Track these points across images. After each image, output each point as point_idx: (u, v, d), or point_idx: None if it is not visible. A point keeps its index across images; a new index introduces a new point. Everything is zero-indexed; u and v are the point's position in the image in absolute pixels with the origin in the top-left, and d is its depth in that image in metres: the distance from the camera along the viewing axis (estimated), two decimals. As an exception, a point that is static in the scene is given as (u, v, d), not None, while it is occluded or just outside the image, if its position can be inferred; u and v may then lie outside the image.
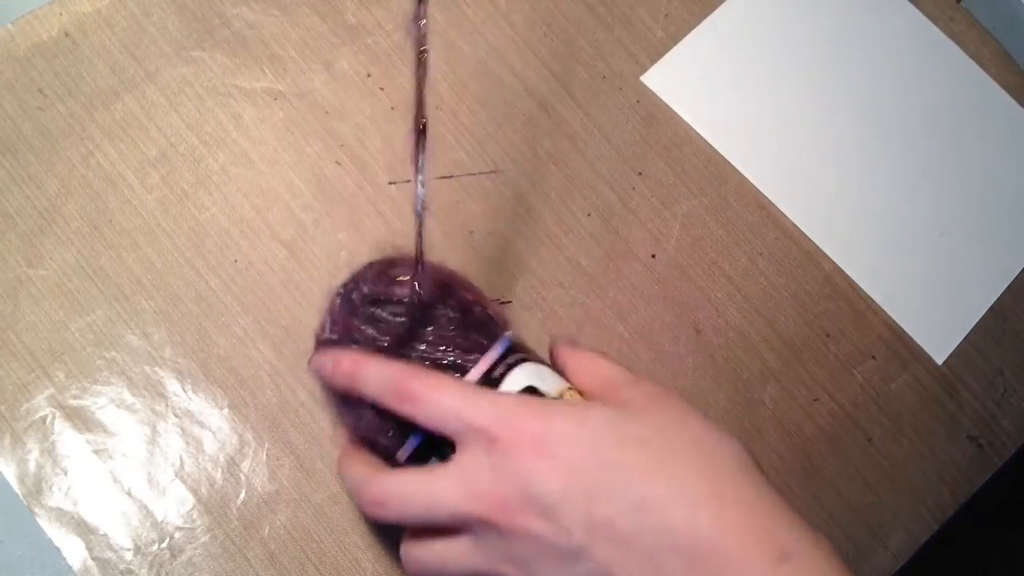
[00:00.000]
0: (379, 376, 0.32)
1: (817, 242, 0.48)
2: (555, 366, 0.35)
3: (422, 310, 0.34)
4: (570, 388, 0.33)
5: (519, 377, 0.33)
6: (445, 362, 0.33)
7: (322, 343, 0.36)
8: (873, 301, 0.48)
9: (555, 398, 0.33)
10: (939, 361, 0.47)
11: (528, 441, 0.29)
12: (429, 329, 0.34)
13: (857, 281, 0.48)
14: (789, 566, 0.27)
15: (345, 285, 0.36)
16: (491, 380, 0.33)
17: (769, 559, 0.27)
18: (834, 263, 0.48)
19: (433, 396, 0.31)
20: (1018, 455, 0.47)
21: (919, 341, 0.47)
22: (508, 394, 0.32)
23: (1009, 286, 0.49)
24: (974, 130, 0.52)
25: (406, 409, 0.31)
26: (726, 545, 0.27)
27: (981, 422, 0.47)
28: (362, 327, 0.35)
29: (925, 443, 0.46)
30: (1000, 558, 0.71)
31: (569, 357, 0.35)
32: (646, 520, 0.28)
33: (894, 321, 0.47)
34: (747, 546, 0.28)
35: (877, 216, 0.49)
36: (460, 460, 0.30)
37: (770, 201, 0.48)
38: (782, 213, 0.48)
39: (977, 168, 0.51)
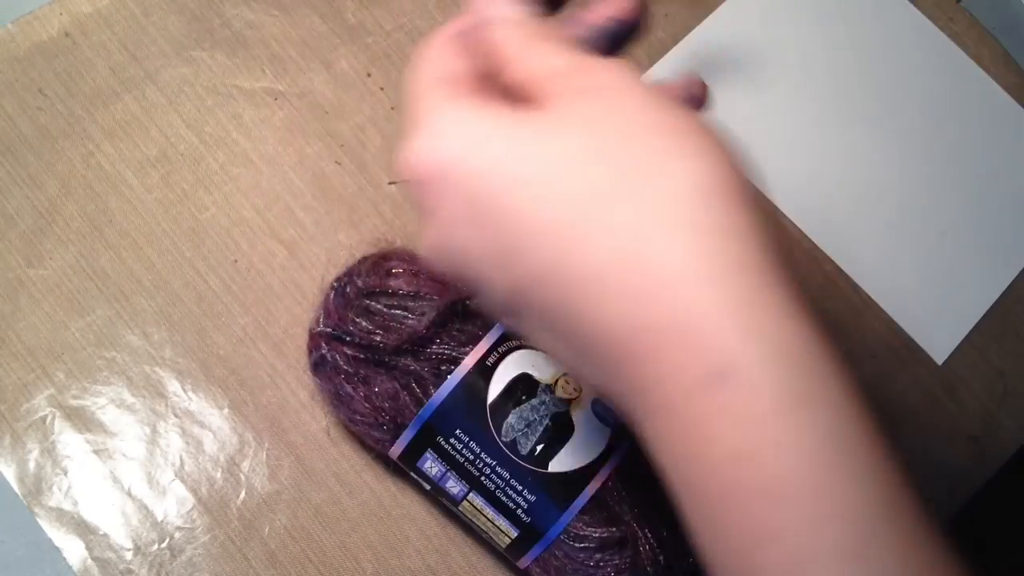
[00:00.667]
0: None
1: (817, 242, 0.48)
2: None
3: (416, 302, 0.34)
4: (564, 375, 0.33)
5: (512, 364, 0.33)
6: (440, 353, 0.34)
7: (315, 336, 0.36)
8: (873, 301, 0.48)
9: (549, 384, 0.33)
10: (939, 361, 0.47)
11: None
12: (423, 320, 0.34)
13: (857, 281, 0.48)
14: (722, 390, 0.19)
15: (339, 279, 0.36)
16: (484, 368, 0.33)
17: (696, 374, 0.19)
18: (834, 263, 0.48)
19: None
20: (1018, 455, 0.47)
21: (919, 341, 0.47)
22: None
23: (1009, 286, 0.49)
24: (974, 130, 0.52)
25: None
26: (640, 335, 0.20)
27: (981, 422, 0.46)
28: (356, 319, 0.35)
29: (925, 443, 0.46)
30: (1000, 558, 0.71)
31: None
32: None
33: (894, 321, 0.47)
34: (673, 347, 0.20)
35: (877, 216, 0.49)
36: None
37: (770, 201, 0.48)
38: (782, 213, 0.48)
39: (977, 168, 0.51)
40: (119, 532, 0.39)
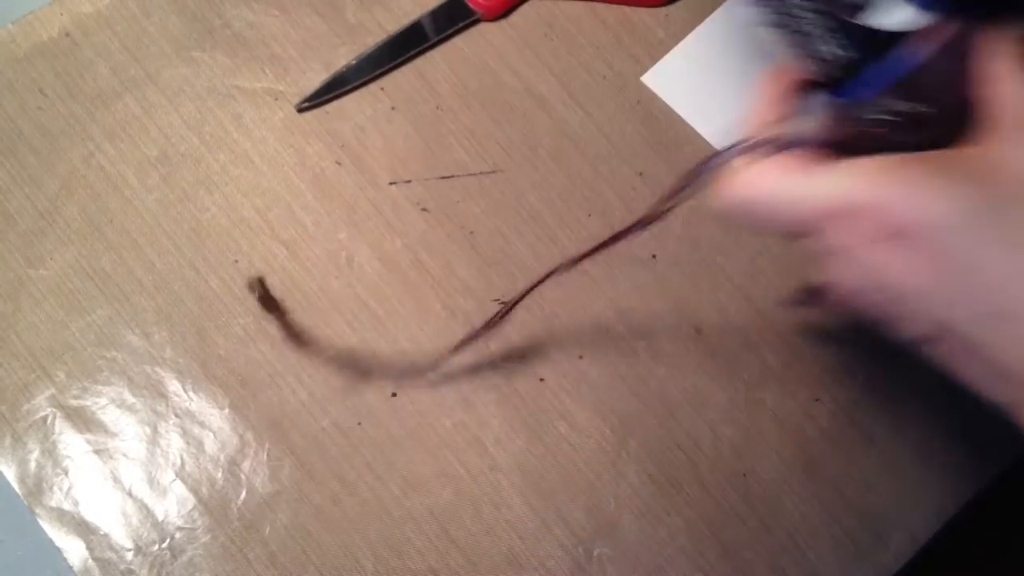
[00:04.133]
0: None
1: (817, 242, 0.48)
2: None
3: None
4: None
5: None
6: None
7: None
8: (873, 301, 0.48)
9: None
10: (939, 361, 0.47)
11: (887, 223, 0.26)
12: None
13: (857, 281, 0.48)
14: None
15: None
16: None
17: None
18: (834, 263, 0.48)
19: None
20: (1018, 455, 0.47)
21: (919, 341, 0.47)
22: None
23: (1010, 286, 0.49)
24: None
25: None
26: None
27: (981, 422, 0.46)
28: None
29: (926, 443, 0.46)
30: (1001, 558, 0.71)
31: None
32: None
33: (894, 321, 0.47)
34: None
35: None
36: None
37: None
38: (782, 213, 0.48)
39: (977, 168, 0.51)
40: (120, 532, 0.39)
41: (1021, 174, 0.24)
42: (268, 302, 0.42)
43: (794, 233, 0.29)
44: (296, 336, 0.42)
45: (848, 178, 0.27)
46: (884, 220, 0.25)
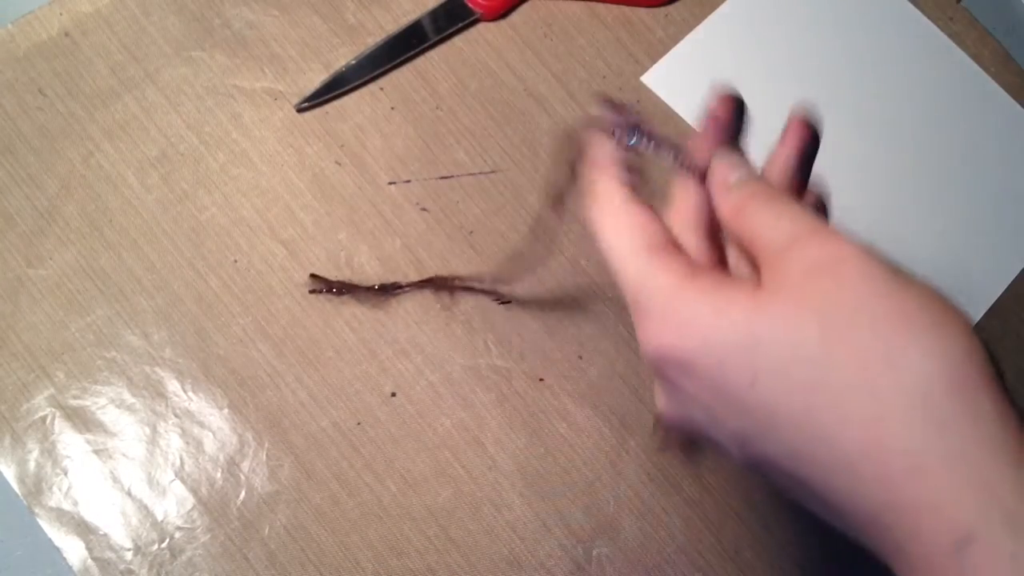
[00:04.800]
0: None
1: (817, 242, 0.48)
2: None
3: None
4: None
5: None
6: None
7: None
8: (873, 301, 0.48)
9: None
10: (939, 361, 0.47)
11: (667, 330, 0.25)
12: None
13: (857, 281, 0.48)
14: (965, 556, 0.21)
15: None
16: None
17: (943, 542, 0.21)
18: (834, 263, 0.48)
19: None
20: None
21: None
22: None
23: (1009, 286, 0.49)
24: (974, 130, 0.52)
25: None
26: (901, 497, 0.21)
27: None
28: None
29: (925, 443, 0.46)
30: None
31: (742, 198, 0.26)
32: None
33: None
34: (919, 521, 0.21)
35: (876, 216, 0.49)
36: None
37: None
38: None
39: (977, 168, 0.51)
40: (119, 532, 0.39)
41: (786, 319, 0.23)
42: (335, 286, 0.42)
43: None
44: (376, 296, 0.42)
45: (651, 277, 0.26)
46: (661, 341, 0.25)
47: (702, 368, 0.24)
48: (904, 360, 0.21)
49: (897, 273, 0.23)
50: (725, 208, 0.27)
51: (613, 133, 0.30)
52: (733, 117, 0.30)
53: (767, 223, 0.25)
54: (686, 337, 0.24)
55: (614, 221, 0.28)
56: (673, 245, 0.27)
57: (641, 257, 0.26)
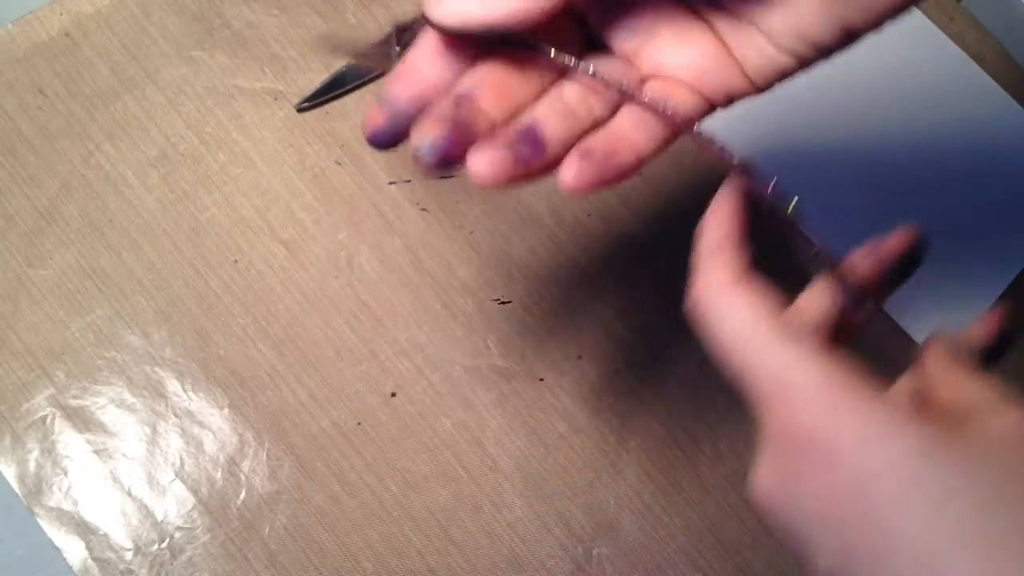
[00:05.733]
0: None
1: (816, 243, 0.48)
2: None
3: None
4: None
5: None
6: None
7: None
8: (873, 301, 0.48)
9: None
10: (939, 361, 0.47)
11: (802, 440, 0.24)
12: None
13: (857, 281, 0.48)
14: None
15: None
16: None
17: None
18: (834, 263, 0.48)
19: None
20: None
21: (919, 341, 0.47)
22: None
23: (1009, 286, 0.49)
24: (974, 130, 0.52)
25: None
26: None
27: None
28: None
29: (925, 443, 0.46)
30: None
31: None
32: None
33: (894, 321, 0.47)
34: None
35: (876, 216, 0.49)
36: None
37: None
38: (782, 213, 0.48)
39: (977, 168, 0.51)
40: (119, 532, 0.39)
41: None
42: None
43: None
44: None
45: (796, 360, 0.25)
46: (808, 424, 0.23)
47: (852, 467, 0.22)
48: None
49: None
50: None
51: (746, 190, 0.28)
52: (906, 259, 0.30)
53: (962, 380, 0.25)
54: (844, 428, 0.23)
55: (731, 303, 0.26)
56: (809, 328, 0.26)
57: (790, 342, 0.25)
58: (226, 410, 0.41)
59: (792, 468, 0.24)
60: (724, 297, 0.26)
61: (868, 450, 0.22)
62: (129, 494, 0.40)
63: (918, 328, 0.47)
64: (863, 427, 0.23)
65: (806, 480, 0.23)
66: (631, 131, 0.27)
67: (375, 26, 0.48)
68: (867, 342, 0.47)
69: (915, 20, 0.53)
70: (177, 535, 0.39)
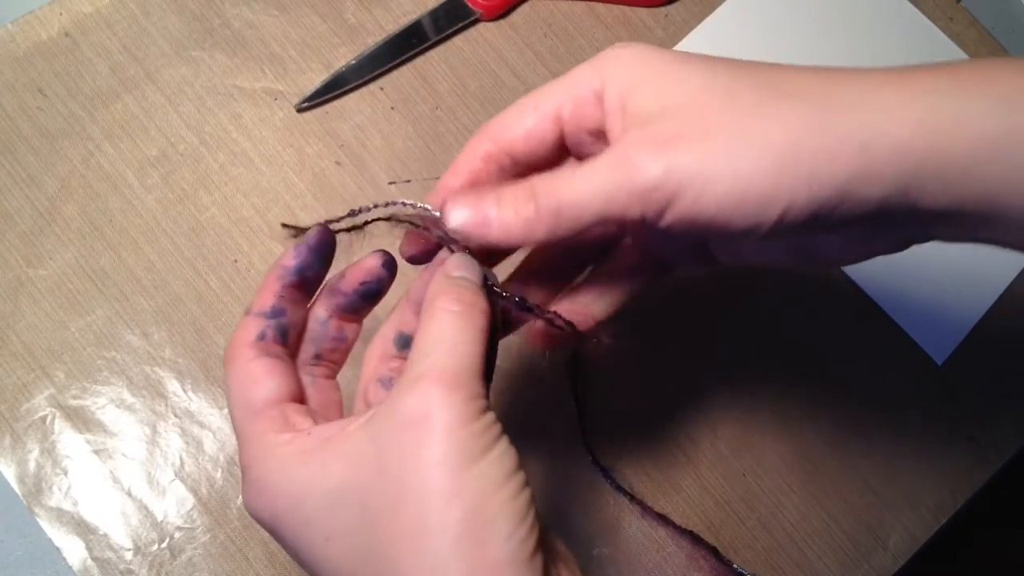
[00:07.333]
0: None
1: (817, 242, 0.48)
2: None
3: None
4: None
5: None
6: None
7: None
8: (873, 302, 0.48)
9: None
10: (939, 361, 0.47)
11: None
12: None
13: (858, 283, 0.48)
14: None
15: None
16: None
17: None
18: (834, 263, 0.48)
19: None
20: (1018, 455, 0.47)
21: (919, 341, 0.47)
22: None
23: (1009, 287, 0.49)
24: (974, 130, 0.52)
25: None
26: None
27: (981, 422, 0.46)
28: None
29: (925, 443, 0.46)
30: (1000, 558, 0.71)
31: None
32: None
33: (894, 322, 0.47)
34: None
35: (877, 216, 0.49)
36: None
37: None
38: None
39: (977, 168, 0.51)
40: (119, 532, 0.39)
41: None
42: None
43: None
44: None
45: None
46: None
47: (284, 532, 0.27)
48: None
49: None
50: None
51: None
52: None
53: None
54: (270, 505, 0.27)
55: (235, 376, 0.29)
56: (284, 404, 0.29)
57: (247, 416, 0.28)
58: (226, 410, 0.41)
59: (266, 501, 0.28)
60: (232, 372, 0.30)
61: (286, 482, 0.27)
62: (129, 494, 0.40)
63: (918, 329, 0.47)
64: (280, 469, 0.27)
65: (288, 549, 0.29)
66: None
67: (374, 26, 0.48)
68: (867, 342, 0.47)
69: (915, 20, 0.53)
70: (177, 535, 0.39)
